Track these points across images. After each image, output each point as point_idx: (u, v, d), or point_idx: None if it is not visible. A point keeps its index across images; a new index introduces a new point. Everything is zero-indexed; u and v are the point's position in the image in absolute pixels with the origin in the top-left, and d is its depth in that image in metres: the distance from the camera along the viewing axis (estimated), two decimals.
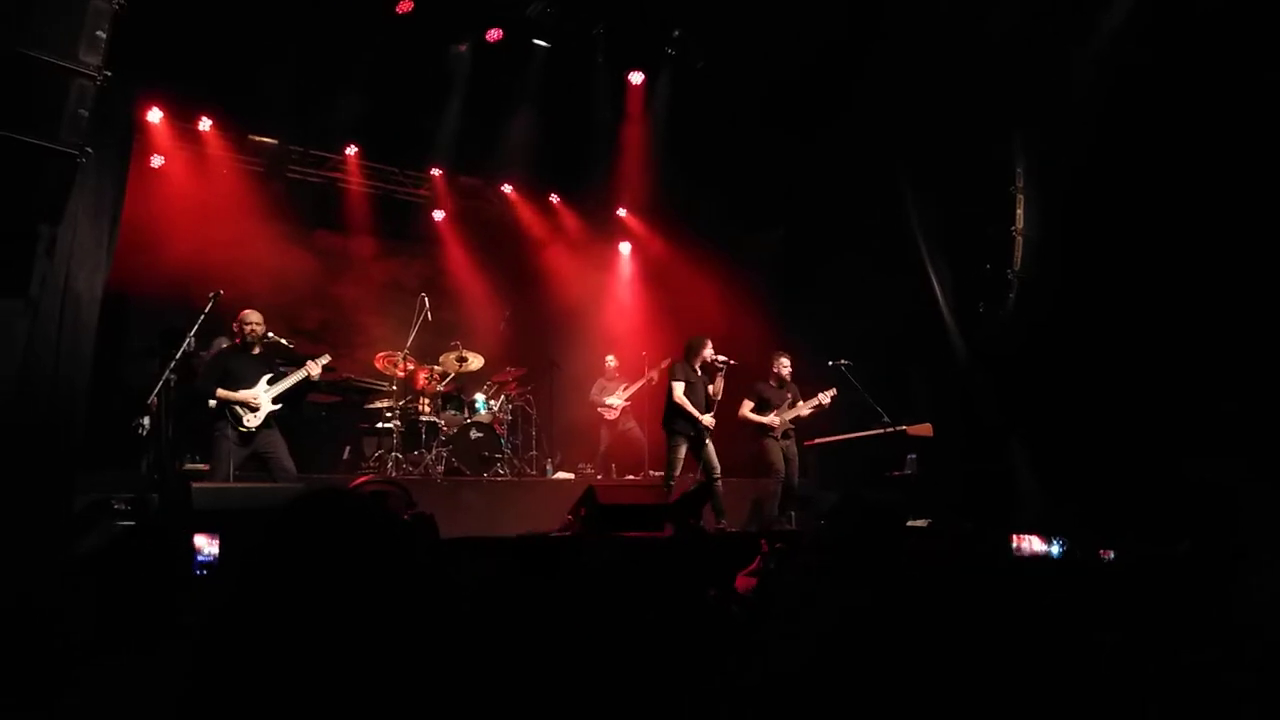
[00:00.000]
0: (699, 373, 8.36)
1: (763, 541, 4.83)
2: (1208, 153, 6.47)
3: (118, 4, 4.90)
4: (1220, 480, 5.68)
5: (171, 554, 3.79)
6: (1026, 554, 3.51)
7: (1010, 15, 7.78)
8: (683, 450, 8.19)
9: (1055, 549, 3.43)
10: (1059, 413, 7.44)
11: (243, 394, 6.80)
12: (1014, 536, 3.57)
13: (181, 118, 9.60)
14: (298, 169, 10.72)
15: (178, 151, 9.81)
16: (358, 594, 1.27)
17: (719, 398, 8.35)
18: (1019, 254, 8.07)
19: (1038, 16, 7.67)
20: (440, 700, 1.39)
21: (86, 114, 4.90)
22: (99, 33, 4.90)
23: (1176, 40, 6.61)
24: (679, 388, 8.22)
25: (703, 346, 8.38)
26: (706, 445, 8.20)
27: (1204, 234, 6.50)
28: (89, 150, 5.02)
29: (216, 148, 10.02)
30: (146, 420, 7.89)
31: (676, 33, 9.70)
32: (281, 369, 7.14)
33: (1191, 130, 6.55)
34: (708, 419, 8.23)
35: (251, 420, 6.77)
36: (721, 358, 8.32)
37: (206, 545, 3.67)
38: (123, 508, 4.70)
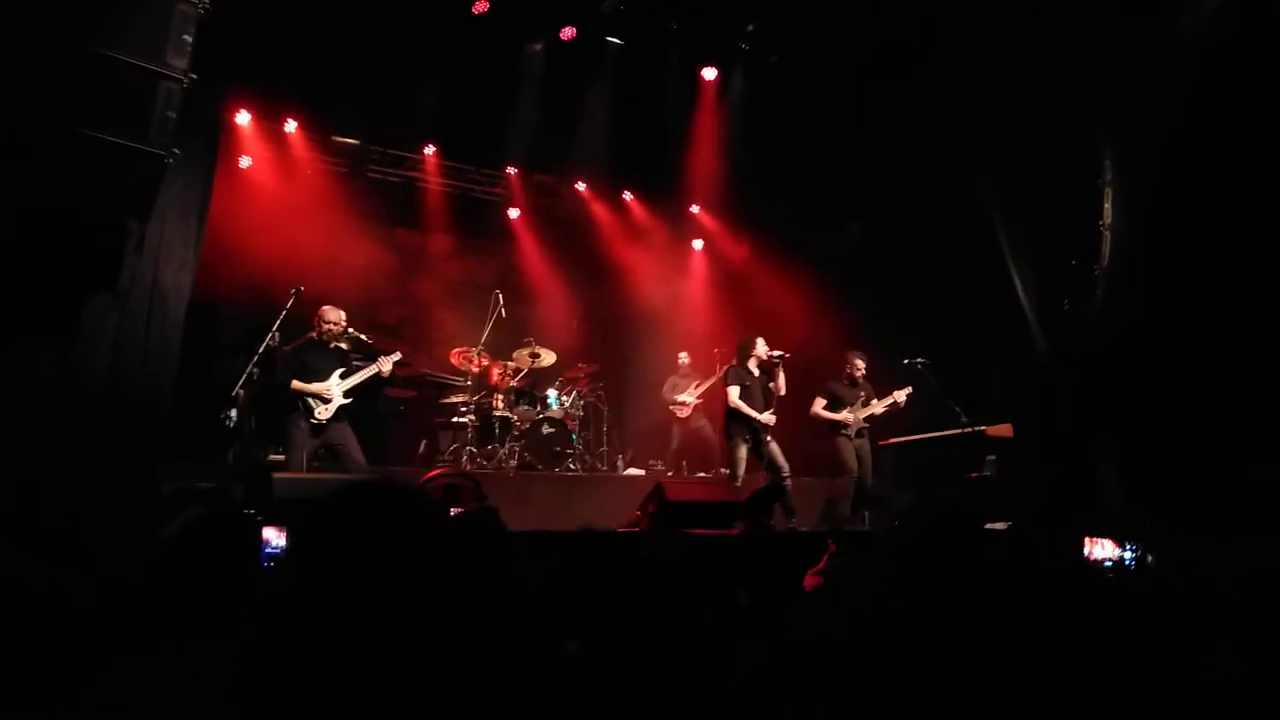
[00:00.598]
0: (755, 372, 8.30)
1: (830, 541, 4.75)
2: None
3: (202, 8, 5.09)
4: None
5: (247, 544, 3.87)
6: (1099, 558, 3.36)
7: None
8: (742, 451, 8.13)
9: (1129, 554, 3.28)
10: (1146, 414, 7.15)
11: (315, 386, 6.98)
12: (1086, 540, 3.43)
13: (268, 119, 9.90)
14: (378, 168, 10.96)
15: (265, 152, 10.13)
16: (400, 585, 1.27)
17: (781, 393, 8.27)
18: (1106, 249, 7.77)
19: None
20: (480, 694, 1.39)
21: (174, 116, 5.11)
22: (185, 36, 5.10)
23: (1272, 22, 6.29)
24: (734, 392, 8.19)
25: (753, 346, 8.34)
26: (768, 444, 8.12)
27: None
28: (176, 151, 5.23)
29: (301, 148, 10.31)
30: (233, 413, 8.18)
31: (750, 27, 9.61)
32: (355, 364, 7.30)
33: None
34: (766, 416, 8.15)
35: (323, 412, 6.95)
36: (776, 352, 8.24)
37: (275, 537, 3.74)
38: (207, 487, 4.86)
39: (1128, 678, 1.85)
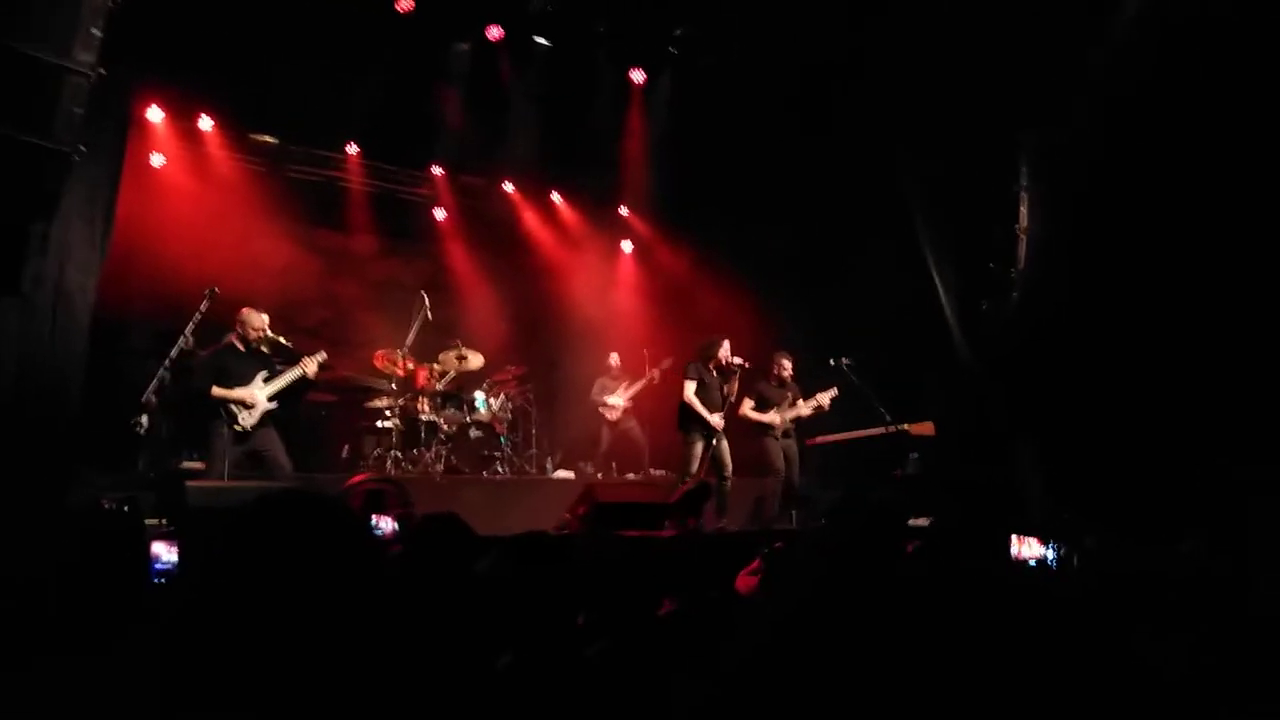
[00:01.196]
0: (714, 373, 8.36)
1: (774, 544, 4.81)
2: (1216, 150, 6.41)
3: (112, 1, 4.89)
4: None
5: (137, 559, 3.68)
6: (1025, 557, 3.45)
7: (1017, 8, 7.72)
8: (699, 448, 8.22)
9: (1051, 553, 3.37)
10: (1063, 413, 7.39)
11: (238, 392, 6.79)
12: (1013, 538, 3.51)
13: (182, 116, 9.56)
14: (298, 168, 10.67)
15: (179, 150, 9.77)
16: (315, 596, 1.23)
17: (732, 399, 8.35)
18: (1023, 252, 8.01)
19: (1045, 10, 7.60)
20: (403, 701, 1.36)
21: (80, 112, 4.91)
22: (94, 30, 4.89)
23: (1186, 36, 6.55)
24: (690, 387, 8.25)
25: (717, 347, 8.42)
26: (719, 444, 8.22)
27: (1211, 233, 6.44)
28: (82, 149, 5.01)
29: (217, 146, 9.98)
30: (145, 418, 7.89)
31: (679, 31, 9.65)
32: (278, 367, 7.11)
33: (1200, 127, 6.49)
34: (717, 419, 8.22)
35: (247, 419, 6.76)
36: (737, 360, 8.35)
37: (165, 553, 3.53)
38: (112, 508, 4.67)
39: (1053, 675, 1.89)
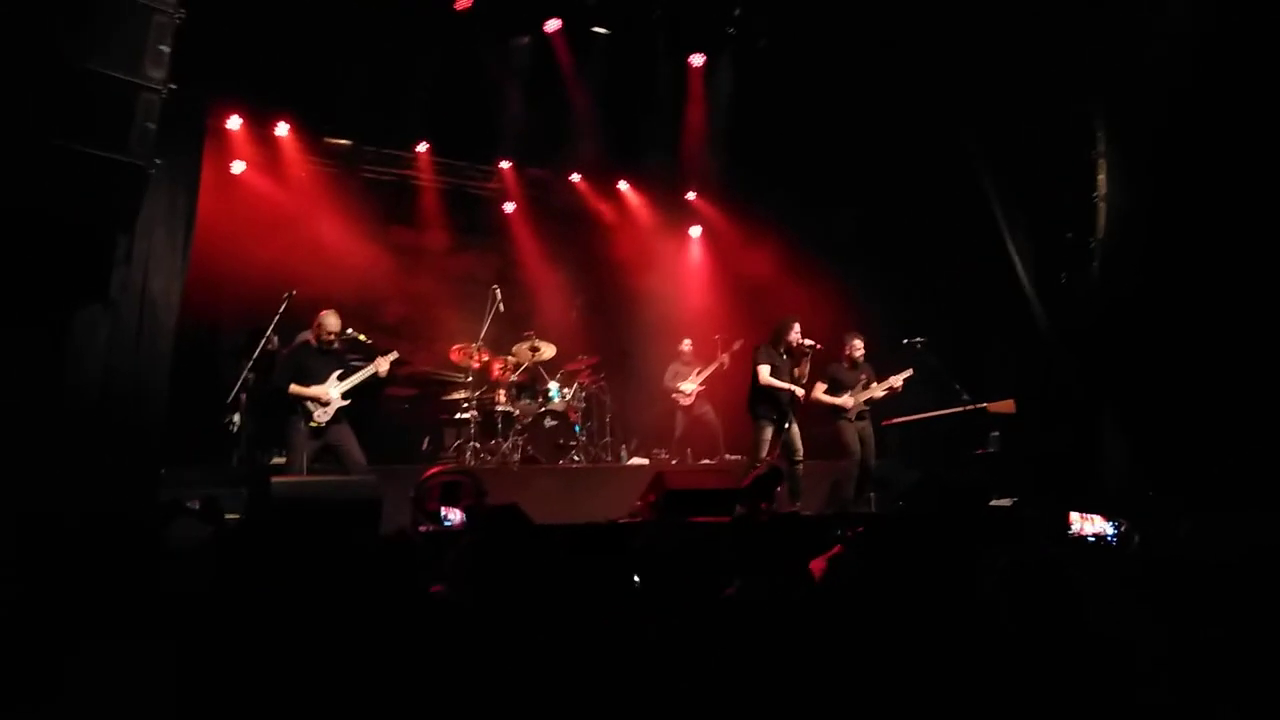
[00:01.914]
0: (784, 356, 8.30)
1: (848, 531, 4.75)
2: None
3: (178, 18, 5.09)
4: None
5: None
6: (1086, 534, 3.34)
7: None
8: (768, 433, 8.17)
9: (1111, 530, 3.26)
10: (1147, 386, 7.11)
11: (313, 390, 7.00)
12: (1072, 515, 3.40)
13: (259, 124, 9.89)
14: (371, 168, 10.95)
15: (257, 157, 10.12)
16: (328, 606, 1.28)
17: (804, 381, 8.27)
18: (1101, 221, 7.72)
19: None
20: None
21: (154, 126, 5.12)
22: (162, 47, 5.10)
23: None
24: (764, 370, 8.19)
25: (788, 330, 8.34)
26: (790, 428, 8.16)
27: None
28: (158, 161, 5.23)
29: (293, 151, 10.30)
30: (237, 417, 8.25)
31: (737, 11, 9.55)
32: (353, 365, 7.32)
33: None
34: (799, 391, 8.20)
35: (321, 415, 6.97)
36: (809, 341, 8.26)
37: None
38: (194, 506, 4.89)
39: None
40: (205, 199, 7.04)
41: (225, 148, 9.68)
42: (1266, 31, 6.15)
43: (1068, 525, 3.36)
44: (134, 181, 5.03)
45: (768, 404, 8.18)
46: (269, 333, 7.54)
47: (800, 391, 8.23)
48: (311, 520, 5.11)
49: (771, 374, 8.19)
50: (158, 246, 5.78)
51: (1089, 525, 3.33)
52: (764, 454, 8.14)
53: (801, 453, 8.16)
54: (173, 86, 5.10)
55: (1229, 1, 6.41)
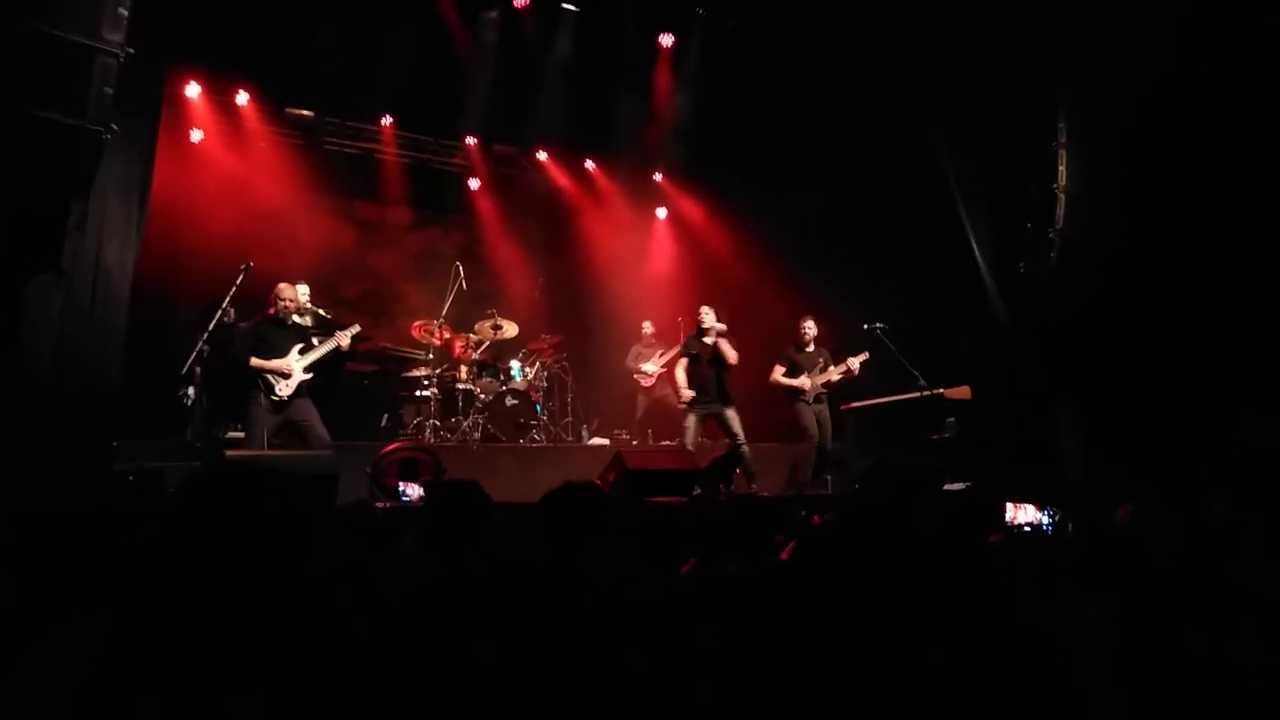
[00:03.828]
0: (705, 342, 8.38)
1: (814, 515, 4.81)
2: (1260, 105, 6.19)
3: None
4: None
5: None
6: (1020, 522, 3.40)
7: None
8: (689, 420, 8.31)
9: (1046, 519, 3.32)
10: (1103, 374, 7.25)
11: (275, 363, 6.93)
12: (1006, 504, 3.46)
13: (219, 92, 9.72)
14: (334, 140, 10.81)
15: (217, 126, 9.95)
16: (245, 573, 1.28)
17: (732, 361, 8.31)
18: (1061, 211, 7.83)
19: None
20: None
21: (111, 91, 5.01)
22: (121, 10, 4.98)
23: None
24: (683, 364, 8.44)
25: (701, 317, 8.48)
26: (724, 413, 8.25)
27: (1255, 189, 6.24)
28: (114, 127, 5.13)
29: (254, 121, 10.14)
30: (191, 390, 8.12)
31: None
32: (314, 339, 7.25)
33: (1246, 78, 6.27)
34: (686, 393, 8.39)
35: (283, 389, 6.90)
36: (715, 326, 8.35)
37: None
38: (135, 480, 4.82)
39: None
40: (162, 168, 6.90)
41: (183, 116, 9.50)
42: (1232, 26, 6.25)
43: (1003, 513, 3.42)
44: (90, 147, 4.93)
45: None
46: (225, 305, 7.43)
47: (686, 395, 8.36)
48: (263, 493, 5.07)
49: (689, 366, 8.41)
50: (112, 215, 5.66)
51: (1022, 514, 3.39)
52: (686, 439, 8.25)
53: (742, 436, 8.24)
54: (130, 51, 4.99)
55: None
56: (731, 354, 8.30)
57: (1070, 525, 3.25)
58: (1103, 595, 2.15)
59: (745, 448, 8.17)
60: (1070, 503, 3.43)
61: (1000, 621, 2.00)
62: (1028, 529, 3.35)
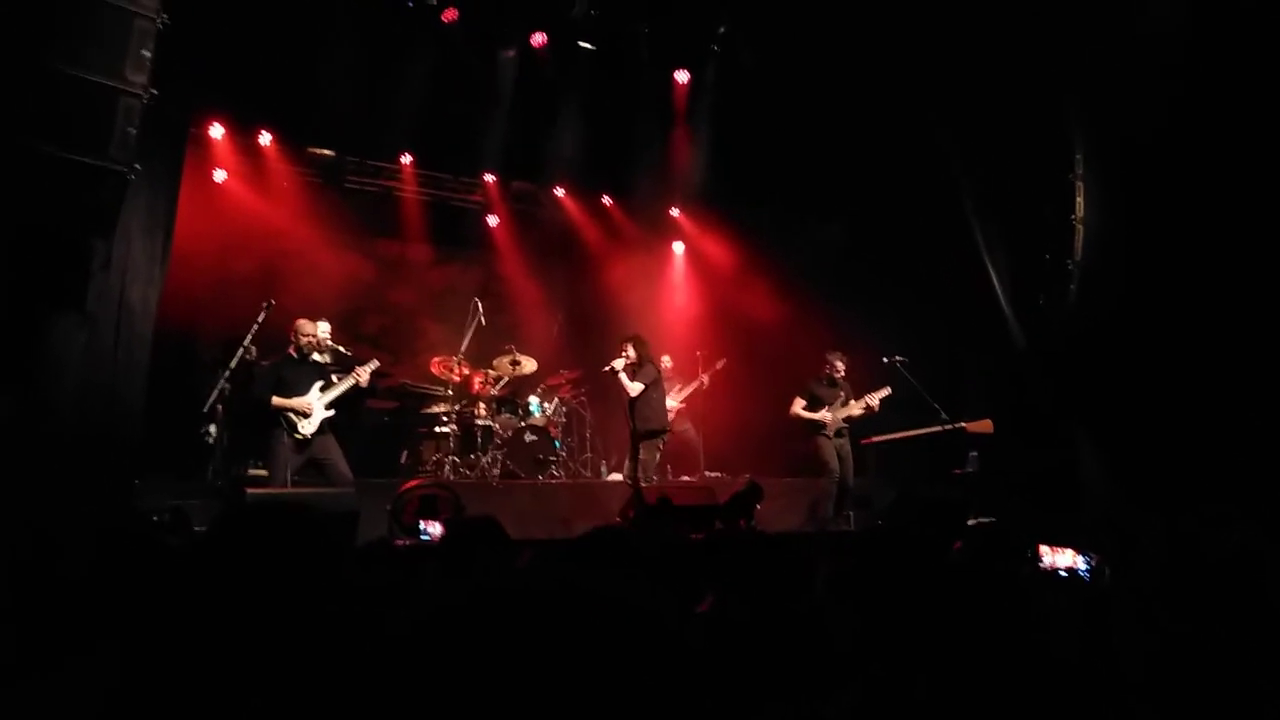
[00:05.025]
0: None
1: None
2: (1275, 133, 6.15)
3: (161, 23, 5.06)
4: None
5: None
6: (1055, 566, 3.28)
7: None
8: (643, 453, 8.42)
9: (1083, 565, 3.21)
10: (1125, 407, 7.16)
11: (296, 401, 6.94)
12: (1042, 548, 3.34)
13: (242, 132, 9.86)
14: (355, 179, 10.93)
15: (239, 166, 10.09)
16: (282, 602, 1.26)
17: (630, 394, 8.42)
18: (1079, 243, 7.79)
19: None
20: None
21: (134, 132, 5.07)
22: (144, 52, 5.06)
23: (1247, 13, 6.31)
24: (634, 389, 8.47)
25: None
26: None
27: (1274, 218, 6.19)
28: (138, 167, 5.19)
29: (276, 161, 10.27)
30: (213, 428, 8.16)
31: (721, 29, 9.61)
32: (334, 376, 7.27)
33: (1262, 103, 6.24)
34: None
35: (305, 427, 6.91)
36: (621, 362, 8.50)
37: None
38: (162, 518, 4.82)
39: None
40: (186, 207, 7.00)
41: (207, 156, 9.64)
42: (1244, 54, 6.24)
43: (1038, 558, 3.32)
44: (114, 187, 4.98)
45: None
46: (247, 343, 7.48)
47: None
48: (297, 531, 5.05)
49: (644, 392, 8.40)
50: (136, 254, 5.72)
51: (1060, 558, 3.28)
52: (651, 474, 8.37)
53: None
54: (154, 92, 5.06)
55: (1207, 23, 6.49)
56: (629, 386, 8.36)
57: (1108, 571, 3.15)
58: (1147, 636, 2.09)
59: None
60: (1103, 544, 3.33)
61: (1034, 661, 1.94)
62: (1064, 574, 3.24)
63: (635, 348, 8.38)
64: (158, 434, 6.97)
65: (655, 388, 8.35)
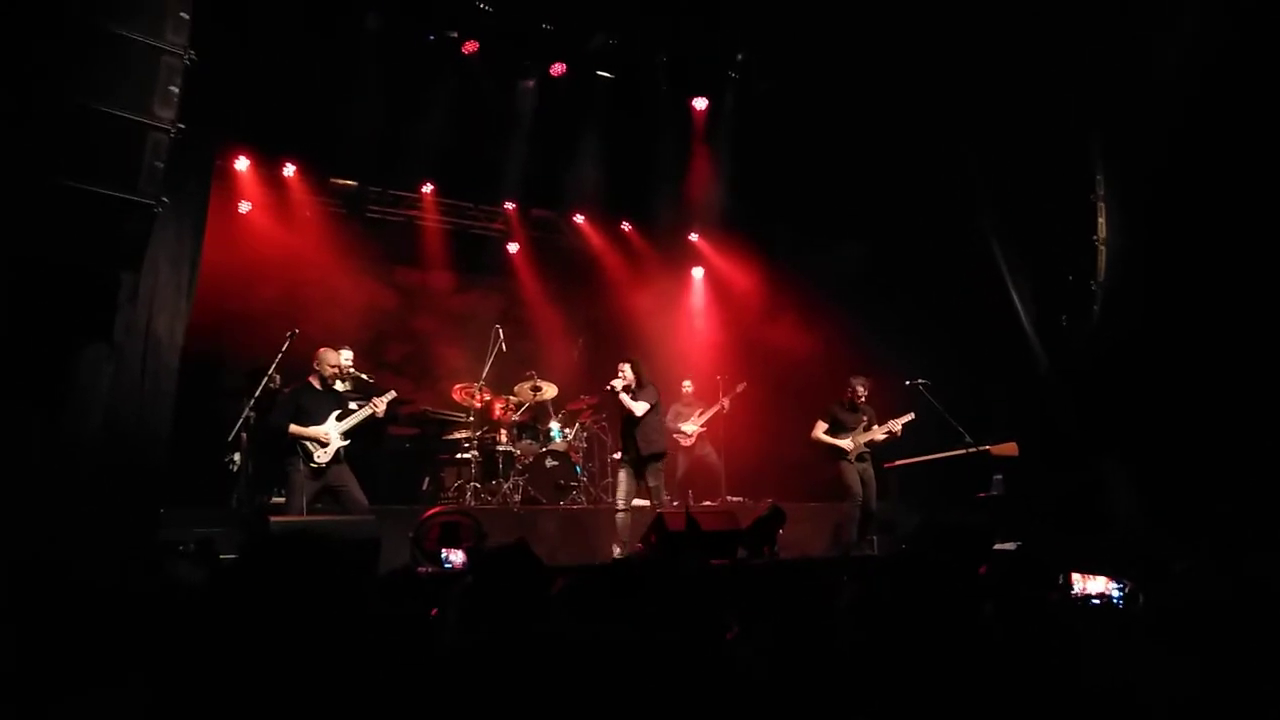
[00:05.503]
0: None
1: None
2: None
3: (188, 59, 5.15)
4: None
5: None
6: (1088, 593, 3.23)
7: (1087, 14, 7.52)
8: (620, 475, 8.25)
9: (1116, 591, 3.16)
10: (1150, 427, 7.08)
11: (312, 430, 6.99)
12: (1074, 575, 3.29)
13: (266, 164, 10.01)
14: (377, 208, 11.06)
15: (264, 197, 10.24)
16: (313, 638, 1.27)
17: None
18: (1102, 263, 7.74)
19: (1115, 14, 7.38)
20: None
21: (162, 165, 5.14)
22: (171, 87, 5.14)
23: (1268, 29, 6.29)
24: (639, 408, 8.19)
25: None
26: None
27: None
28: (165, 200, 5.27)
29: (300, 192, 10.41)
30: (236, 456, 8.21)
31: (739, 57, 9.68)
32: (352, 405, 7.31)
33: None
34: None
35: (321, 455, 6.96)
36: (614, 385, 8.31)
37: None
38: (187, 548, 4.85)
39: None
40: (211, 238, 7.07)
41: (232, 188, 9.78)
42: (1264, 73, 6.22)
43: (1069, 585, 3.27)
44: (141, 220, 5.05)
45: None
46: (271, 371, 7.55)
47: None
48: (308, 560, 5.07)
49: (648, 413, 8.19)
50: (163, 286, 5.80)
51: (1092, 584, 3.23)
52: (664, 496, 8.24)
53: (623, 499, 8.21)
54: (181, 126, 5.15)
55: (1228, 44, 6.48)
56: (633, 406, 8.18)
57: (1141, 597, 3.10)
58: (1181, 661, 2.06)
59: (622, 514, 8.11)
60: (1135, 569, 3.28)
61: (1065, 687, 1.91)
62: (1096, 601, 3.19)
63: (633, 369, 8.32)
64: (182, 462, 7.02)
65: (655, 409, 8.30)
